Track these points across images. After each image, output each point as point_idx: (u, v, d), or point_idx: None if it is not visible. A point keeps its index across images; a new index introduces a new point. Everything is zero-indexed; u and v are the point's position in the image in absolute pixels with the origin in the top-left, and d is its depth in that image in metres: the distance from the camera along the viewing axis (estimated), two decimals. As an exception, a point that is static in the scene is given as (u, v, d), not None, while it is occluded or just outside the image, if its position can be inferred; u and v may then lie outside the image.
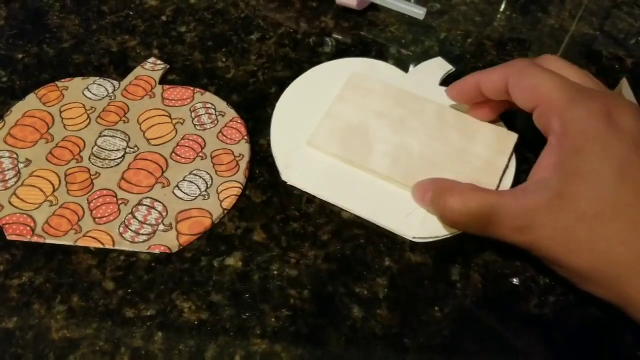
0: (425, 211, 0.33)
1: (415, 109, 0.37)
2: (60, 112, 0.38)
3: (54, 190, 0.34)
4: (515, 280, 0.32)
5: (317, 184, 0.35)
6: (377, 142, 0.36)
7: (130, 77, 0.41)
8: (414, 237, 0.33)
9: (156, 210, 0.33)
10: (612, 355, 0.30)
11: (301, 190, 0.35)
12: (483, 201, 0.29)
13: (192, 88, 0.40)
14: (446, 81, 0.41)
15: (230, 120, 0.38)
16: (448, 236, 0.33)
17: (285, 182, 0.35)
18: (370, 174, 0.35)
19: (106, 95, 0.39)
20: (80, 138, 0.37)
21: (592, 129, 0.28)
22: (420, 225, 0.33)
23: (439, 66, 0.42)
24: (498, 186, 0.34)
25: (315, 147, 0.36)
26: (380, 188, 0.35)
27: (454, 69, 0.42)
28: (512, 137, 0.36)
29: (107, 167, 0.35)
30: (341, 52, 0.44)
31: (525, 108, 0.32)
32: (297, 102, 0.39)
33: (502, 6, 0.49)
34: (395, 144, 0.36)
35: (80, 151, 0.36)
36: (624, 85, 0.39)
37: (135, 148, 0.36)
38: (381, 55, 0.44)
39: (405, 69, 0.42)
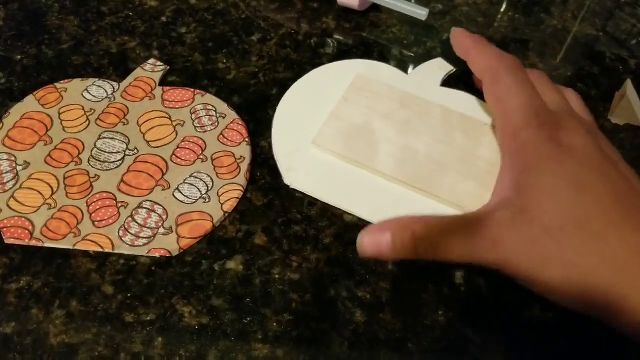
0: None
1: (420, 111, 0.37)
2: (59, 113, 0.38)
3: (52, 193, 0.34)
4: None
5: (320, 186, 0.34)
6: (382, 143, 0.35)
7: (129, 79, 0.40)
8: None
9: (156, 213, 0.33)
10: (617, 358, 0.29)
11: (303, 193, 0.34)
12: (444, 225, 0.29)
13: (192, 89, 0.40)
14: (447, 82, 0.40)
15: (231, 122, 0.38)
16: None
17: (288, 185, 0.35)
18: (375, 175, 0.35)
19: (105, 97, 0.39)
20: (80, 140, 0.36)
21: (544, 150, 0.29)
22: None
23: (440, 67, 0.41)
24: None
25: (320, 146, 0.35)
26: (384, 190, 0.34)
27: (454, 70, 0.41)
28: None
29: (106, 170, 0.35)
30: (343, 52, 0.43)
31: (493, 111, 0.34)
32: (299, 104, 0.39)
33: (504, 6, 0.48)
34: (400, 144, 0.35)
35: (79, 153, 0.36)
36: (628, 87, 0.39)
37: (135, 150, 0.36)
38: (383, 56, 0.43)
39: (406, 70, 0.42)
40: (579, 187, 0.28)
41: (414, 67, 0.42)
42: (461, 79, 0.41)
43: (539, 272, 0.27)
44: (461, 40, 0.38)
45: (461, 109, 0.37)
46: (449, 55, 0.42)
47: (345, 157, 0.35)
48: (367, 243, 0.29)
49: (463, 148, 0.35)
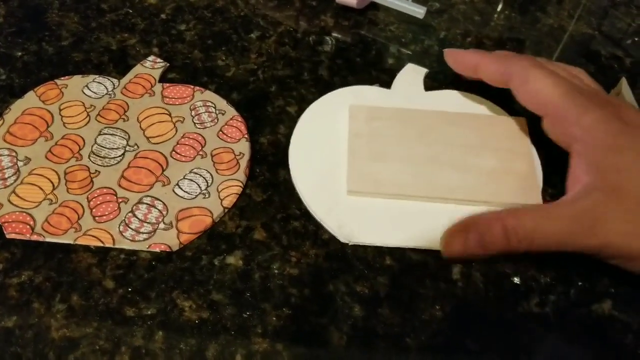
0: None
1: (425, 124, 0.37)
2: (60, 110, 0.38)
3: (53, 189, 0.34)
4: (516, 279, 0.32)
5: (379, 232, 0.33)
6: (411, 166, 0.35)
7: (130, 75, 0.40)
8: None
9: (156, 208, 0.33)
10: (612, 354, 0.30)
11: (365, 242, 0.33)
12: (539, 219, 0.29)
13: (192, 86, 0.40)
14: (430, 86, 0.41)
15: (231, 119, 0.38)
16: None
17: (286, 181, 0.35)
18: (421, 200, 0.34)
19: (106, 94, 0.39)
20: (80, 136, 0.37)
21: (615, 127, 0.29)
22: None
23: (415, 72, 0.41)
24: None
25: (357, 192, 0.34)
26: (437, 211, 0.33)
27: (428, 70, 0.42)
28: (523, 122, 0.37)
29: (107, 166, 0.35)
30: (341, 50, 0.43)
31: (531, 110, 0.33)
32: (310, 151, 0.37)
33: (501, 5, 0.49)
34: (427, 161, 0.35)
35: (80, 149, 0.36)
36: (624, 85, 0.39)
37: (135, 146, 0.36)
38: (381, 54, 0.44)
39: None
40: None
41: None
42: (436, 78, 0.42)
43: None
44: (461, 58, 0.37)
45: (455, 107, 0.38)
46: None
47: (387, 194, 0.34)
48: (452, 244, 0.29)
49: (481, 144, 0.35)
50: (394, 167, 0.35)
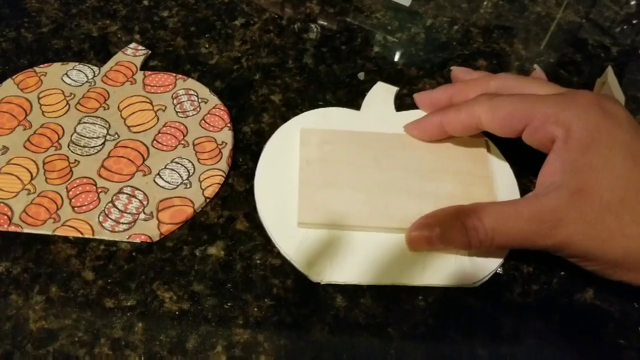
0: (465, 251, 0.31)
1: (380, 147, 0.35)
2: (39, 98, 0.37)
3: (32, 179, 0.33)
4: (499, 270, 0.31)
5: (355, 271, 0.31)
6: (365, 195, 0.33)
7: (110, 63, 0.40)
8: (474, 283, 0.31)
9: (137, 199, 0.33)
10: (594, 343, 0.30)
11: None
12: (503, 214, 0.29)
13: (174, 74, 0.39)
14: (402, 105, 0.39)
15: (213, 108, 0.37)
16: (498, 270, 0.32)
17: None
18: (372, 231, 0.32)
19: (86, 82, 0.38)
20: (59, 125, 0.36)
21: (593, 123, 0.28)
22: (472, 266, 0.31)
23: (386, 91, 0.39)
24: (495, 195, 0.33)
25: (308, 225, 0.32)
26: (390, 243, 0.32)
27: (397, 89, 0.40)
28: (483, 142, 0.36)
29: (86, 155, 0.35)
30: (326, 38, 0.43)
31: (510, 135, 0.32)
32: (273, 181, 0.34)
33: (489, -7, 0.48)
34: (383, 190, 0.33)
35: (59, 138, 0.35)
36: (609, 74, 0.39)
37: (116, 135, 0.36)
38: (367, 42, 0.43)
39: (388, 60, 0.41)
40: (633, 157, 0.28)
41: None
42: (424, 67, 0.42)
43: (602, 248, 0.27)
44: (423, 127, 0.35)
45: None
46: (432, 44, 0.42)
47: (339, 225, 0.32)
48: (415, 238, 0.31)
49: (439, 168, 0.34)
50: (347, 195, 0.33)
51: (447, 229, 0.29)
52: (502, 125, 0.31)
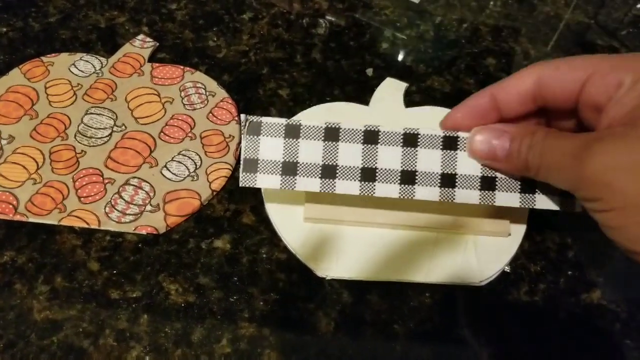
0: (473, 249, 0.31)
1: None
2: (46, 88, 0.37)
3: (38, 168, 0.33)
4: (506, 268, 0.31)
5: (361, 267, 0.31)
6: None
7: (118, 54, 0.40)
8: (481, 282, 0.31)
9: (143, 190, 0.33)
10: (600, 343, 0.30)
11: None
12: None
13: (182, 67, 0.39)
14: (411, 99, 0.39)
15: (221, 101, 0.37)
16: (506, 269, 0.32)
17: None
18: (378, 228, 0.32)
19: (93, 72, 0.38)
20: (66, 115, 0.36)
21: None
22: (479, 264, 0.31)
23: (395, 87, 0.39)
24: None
25: (314, 220, 0.32)
26: (396, 240, 0.32)
27: (407, 85, 0.39)
28: None
29: (93, 146, 0.34)
30: (335, 33, 0.43)
31: (569, 96, 0.28)
32: None
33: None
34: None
35: (65, 129, 0.35)
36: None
37: (123, 127, 0.35)
38: (375, 39, 0.43)
39: (396, 56, 0.41)
40: None
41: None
42: (431, 64, 0.41)
43: None
44: (474, 100, 0.30)
45: (435, 125, 0.31)
46: (441, 41, 0.42)
47: (346, 221, 0.32)
48: (481, 141, 0.28)
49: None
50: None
51: (516, 140, 0.27)
52: (565, 79, 0.28)
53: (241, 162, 0.28)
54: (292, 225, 0.32)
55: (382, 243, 0.31)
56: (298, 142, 0.28)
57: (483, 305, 0.30)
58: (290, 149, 0.28)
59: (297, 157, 0.28)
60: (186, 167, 0.34)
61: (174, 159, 0.34)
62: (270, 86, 0.39)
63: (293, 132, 0.28)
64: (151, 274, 0.30)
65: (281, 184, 0.28)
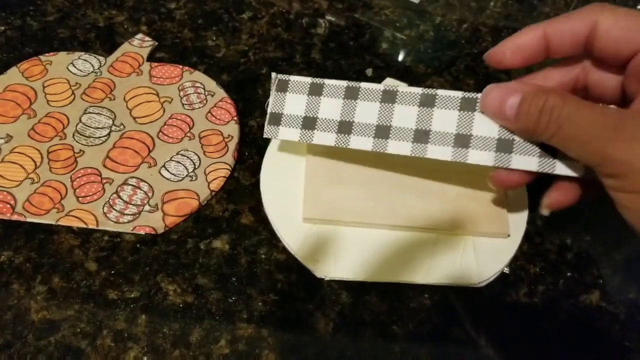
0: (472, 250, 0.31)
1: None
2: (44, 87, 0.37)
3: (35, 168, 0.33)
4: (506, 269, 0.31)
5: (360, 268, 0.31)
6: (370, 191, 0.32)
7: (117, 54, 0.39)
8: (480, 283, 0.31)
9: (142, 190, 0.33)
10: (599, 345, 0.29)
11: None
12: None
13: (181, 66, 0.39)
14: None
15: (220, 101, 0.37)
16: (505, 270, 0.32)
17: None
18: (376, 228, 0.32)
19: (92, 72, 0.38)
20: (64, 114, 0.36)
21: None
22: (478, 265, 0.31)
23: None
24: None
25: (313, 220, 0.32)
26: (395, 240, 0.32)
27: (406, 85, 0.38)
28: None
29: (91, 145, 0.34)
30: (334, 33, 0.43)
31: (622, 55, 0.26)
32: (280, 183, 0.33)
33: (498, -7, 0.48)
34: (388, 187, 0.32)
35: (63, 128, 0.35)
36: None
37: (122, 126, 0.35)
38: (374, 39, 0.43)
39: (396, 57, 0.41)
40: None
41: (404, 52, 0.42)
42: (431, 64, 0.41)
43: None
44: (522, 37, 0.28)
45: None
46: (441, 42, 0.42)
47: (344, 222, 0.32)
48: (493, 98, 0.26)
49: (445, 166, 0.30)
50: (352, 191, 0.32)
51: (528, 99, 0.25)
52: (621, 35, 0.26)
53: (267, 115, 0.31)
54: (291, 225, 0.32)
55: (381, 244, 0.31)
56: (320, 99, 0.30)
57: (482, 306, 0.30)
58: (312, 105, 0.30)
59: (317, 112, 0.30)
60: (185, 167, 0.34)
61: (172, 159, 0.34)
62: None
63: (316, 90, 0.30)
64: (149, 275, 0.30)
65: (300, 137, 0.30)
